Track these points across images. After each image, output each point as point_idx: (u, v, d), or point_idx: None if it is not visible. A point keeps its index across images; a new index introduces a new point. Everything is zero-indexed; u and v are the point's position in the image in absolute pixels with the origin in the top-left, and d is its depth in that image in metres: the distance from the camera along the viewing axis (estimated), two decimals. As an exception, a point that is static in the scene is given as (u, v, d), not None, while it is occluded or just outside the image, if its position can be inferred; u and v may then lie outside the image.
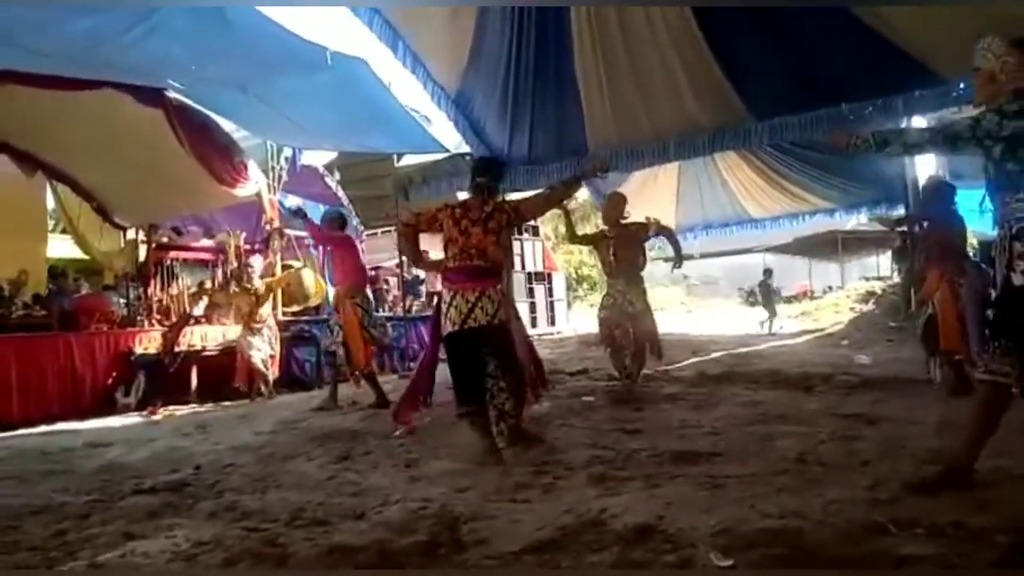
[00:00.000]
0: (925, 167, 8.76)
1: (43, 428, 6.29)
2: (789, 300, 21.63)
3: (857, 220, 13.74)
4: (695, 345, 10.09)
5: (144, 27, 5.49)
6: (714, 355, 9.08)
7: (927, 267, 5.39)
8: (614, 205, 6.64)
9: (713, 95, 7.22)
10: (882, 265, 21.94)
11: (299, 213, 6.92)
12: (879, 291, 14.63)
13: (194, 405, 7.26)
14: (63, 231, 10.64)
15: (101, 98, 6.98)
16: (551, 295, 16.21)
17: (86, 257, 10.38)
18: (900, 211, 8.45)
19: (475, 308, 3.83)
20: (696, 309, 20.81)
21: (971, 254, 11.61)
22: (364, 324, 6.39)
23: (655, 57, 7.04)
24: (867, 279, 18.85)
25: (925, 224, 5.81)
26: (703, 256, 23.02)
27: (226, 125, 8.35)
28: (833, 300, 16.32)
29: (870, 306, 13.80)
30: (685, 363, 8.15)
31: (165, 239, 10.17)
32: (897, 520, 2.33)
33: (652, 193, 11.24)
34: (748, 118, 7.29)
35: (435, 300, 4.15)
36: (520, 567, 2.25)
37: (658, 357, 6.35)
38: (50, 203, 10.12)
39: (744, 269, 25.33)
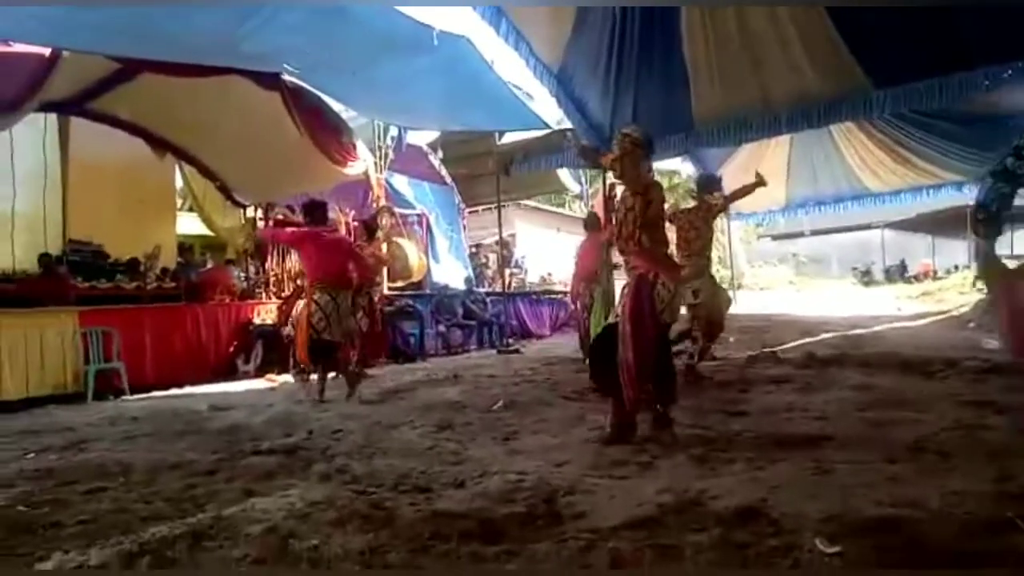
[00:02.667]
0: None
1: (173, 391, 6.84)
2: (909, 280, 20.32)
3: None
4: (804, 326, 9.68)
5: (262, 16, 5.77)
6: (824, 336, 8.67)
7: None
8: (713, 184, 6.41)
9: (829, 61, 6.80)
10: (1017, 243, 20.19)
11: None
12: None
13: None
14: (190, 209, 11.42)
15: (225, 84, 7.41)
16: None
17: (211, 233, 11.11)
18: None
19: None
20: (805, 289, 19.87)
21: None
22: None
23: (766, 21, 6.70)
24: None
25: None
26: (814, 233, 21.97)
27: (336, 107, 8.67)
28: (959, 280, 15.18)
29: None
30: (792, 344, 7.83)
31: (280, 216, 10.70)
32: (1029, 517, 2.17)
33: (761, 167, 10.77)
34: (867, 86, 6.84)
35: (643, 283, 3.54)
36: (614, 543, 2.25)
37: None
38: (178, 182, 10.87)
39: (858, 247, 23.96)
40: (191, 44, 6.26)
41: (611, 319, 3.78)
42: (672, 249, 3.93)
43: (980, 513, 2.24)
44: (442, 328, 9.90)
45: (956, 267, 20.58)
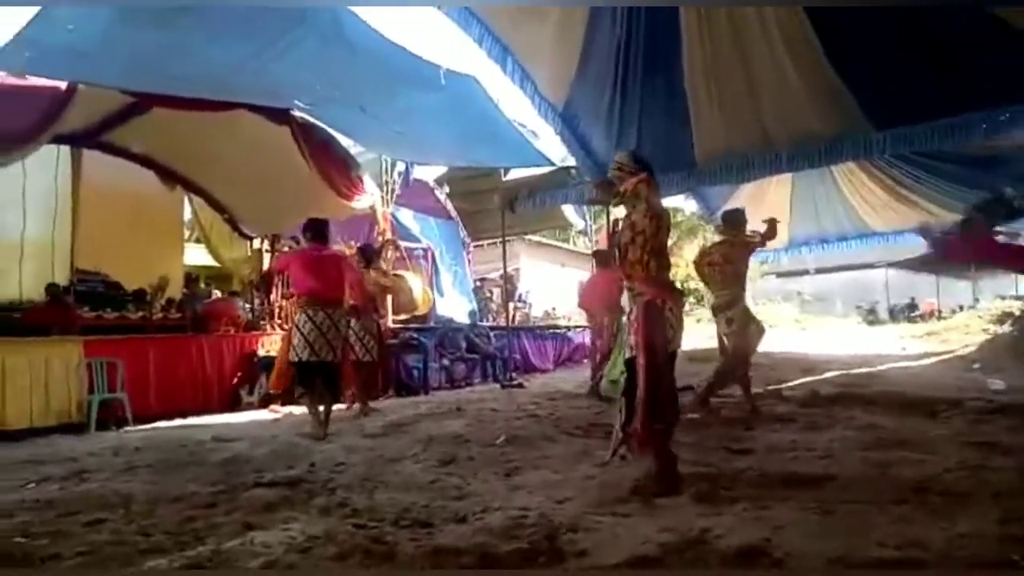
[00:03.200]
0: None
1: (177, 422, 6.83)
2: (913, 319, 20.27)
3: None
4: (808, 364, 9.66)
5: (273, 52, 5.91)
6: (828, 375, 8.64)
7: None
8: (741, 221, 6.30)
9: (830, 102, 6.92)
10: (1021, 284, 20.19)
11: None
12: (1017, 312, 13.45)
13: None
14: (197, 240, 11.52)
15: (235, 118, 7.55)
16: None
17: (216, 264, 11.18)
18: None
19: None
20: (810, 327, 19.83)
21: None
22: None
23: (768, 63, 6.82)
24: (1003, 298, 17.37)
25: None
26: (818, 271, 21.97)
27: (344, 141, 8.81)
28: (964, 320, 15.15)
29: (1006, 327, 12.71)
30: (797, 383, 7.80)
31: (286, 248, 10.79)
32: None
33: (763, 205, 10.86)
34: (868, 127, 6.94)
35: (652, 309, 3.41)
36: None
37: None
38: (187, 214, 10.99)
39: (862, 285, 23.95)
40: (204, 80, 6.41)
41: (626, 353, 3.66)
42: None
43: (985, 555, 2.23)
44: (446, 362, 9.89)
45: (961, 307, 20.54)
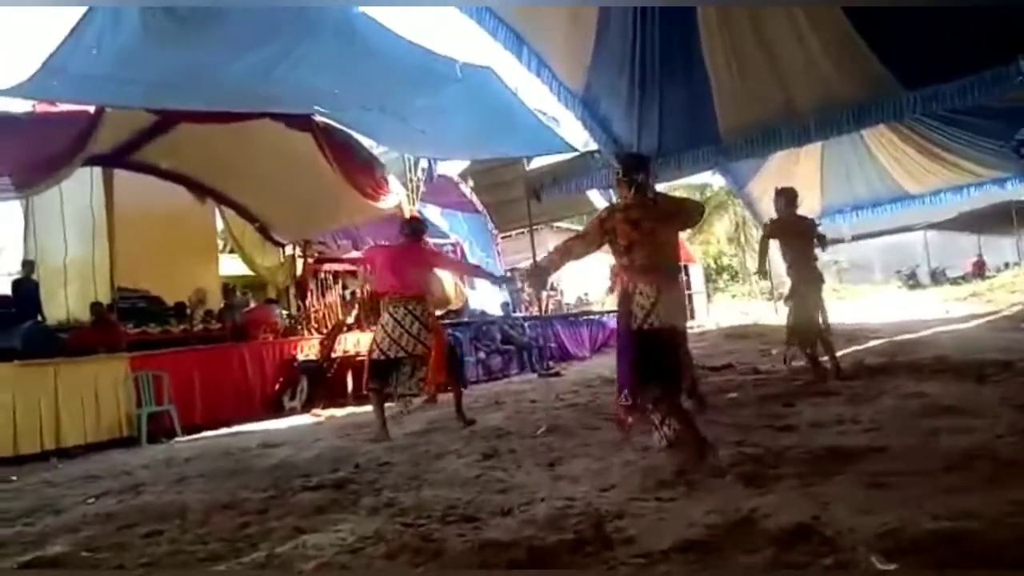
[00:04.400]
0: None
1: (223, 430, 6.99)
2: (956, 281, 19.75)
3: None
4: (850, 334, 9.47)
5: (291, 60, 5.97)
6: (871, 344, 8.48)
7: None
8: (790, 200, 6.46)
9: (855, 65, 6.74)
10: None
11: None
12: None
13: (351, 407, 7.75)
14: (231, 251, 11.74)
15: (258, 128, 7.67)
16: (689, 287, 15.82)
17: (251, 273, 11.38)
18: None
19: (674, 308, 3.74)
20: (849, 296, 19.45)
21: None
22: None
23: (788, 31, 6.67)
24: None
25: None
26: (855, 239, 21.52)
27: (366, 142, 8.88)
28: (1009, 279, 14.71)
29: (1056, 283, 12.33)
30: (839, 354, 7.67)
31: (317, 253, 10.95)
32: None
33: (794, 176, 10.68)
34: (897, 87, 6.75)
35: (623, 296, 3.74)
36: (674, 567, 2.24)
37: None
38: (219, 225, 11.20)
39: (901, 250, 23.37)
40: (224, 92, 6.50)
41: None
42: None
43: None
44: (482, 355, 9.94)
45: (1006, 264, 19.96)
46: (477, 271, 7.52)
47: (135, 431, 6.64)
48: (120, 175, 9.15)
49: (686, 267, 15.84)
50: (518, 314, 12.24)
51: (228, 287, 10.70)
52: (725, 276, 25.33)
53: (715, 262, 25.15)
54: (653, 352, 3.63)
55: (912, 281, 21.77)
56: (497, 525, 2.79)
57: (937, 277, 22.00)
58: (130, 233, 9.13)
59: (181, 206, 9.99)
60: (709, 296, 18.89)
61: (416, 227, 5.83)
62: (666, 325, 3.65)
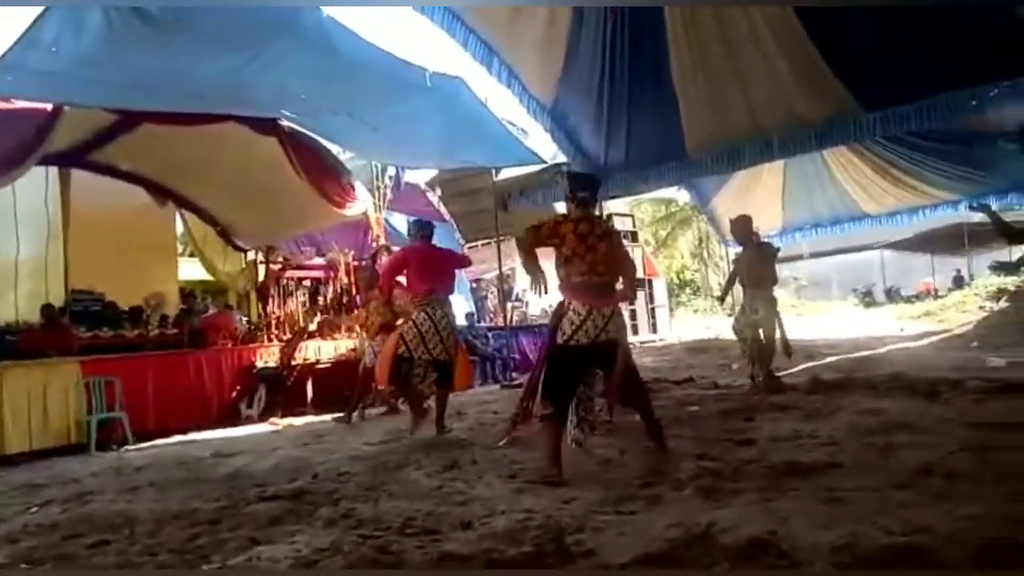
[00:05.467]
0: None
1: (177, 439, 6.81)
2: (910, 300, 20.28)
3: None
4: (808, 350, 9.64)
5: (259, 64, 5.89)
6: (828, 360, 8.65)
7: None
8: (743, 226, 6.88)
9: (818, 87, 6.92)
10: (1015, 258, 20.20)
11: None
12: (1012, 287, 13.47)
13: (310, 416, 7.62)
14: (191, 255, 11.50)
15: (223, 131, 7.55)
16: (652, 301, 15.96)
17: (211, 278, 11.16)
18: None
19: (608, 323, 3.80)
20: (807, 312, 19.83)
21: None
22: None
23: (754, 51, 6.83)
24: (997, 263, 17.33)
25: None
26: (814, 256, 22.00)
27: (333, 148, 8.80)
28: (959, 298, 15.16)
29: (1002, 304, 12.73)
30: (797, 369, 7.80)
31: (281, 259, 10.78)
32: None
33: (757, 192, 10.88)
34: (857, 110, 6.93)
35: (557, 308, 3.94)
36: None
37: (787, 356, 6.69)
38: (179, 229, 10.97)
39: (858, 268, 23.95)
40: (191, 94, 6.39)
41: None
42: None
43: (993, 537, 2.22)
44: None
45: (960, 278, 20.53)
46: None
47: (84, 438, 6.43)
48: (78, 175, 8.92)
49: (650, 281, 16.03)
50: (482, 324, 12.21)
51: (187, 292, 10.47)
52: (688, 290, 25.63)
53: (678, 276, 25.44)
54: (570, 368, 3.80)
55: (868, 299, 22.30)
56: (457, 538, 2.76)
57: (892, 295, 22.58)
58: (86, 234, 8.89)
59: (140, 208, 9.77)
60: (672, 310, 19.07)
61: (431, 228, 5.88)
62: (595, 341, 3.77)
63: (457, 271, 5.97)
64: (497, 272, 12.54)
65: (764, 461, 3.63)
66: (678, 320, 18.88)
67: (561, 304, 3.89)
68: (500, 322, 12.35)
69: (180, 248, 11.78)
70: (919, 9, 5.86)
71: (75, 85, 5.79)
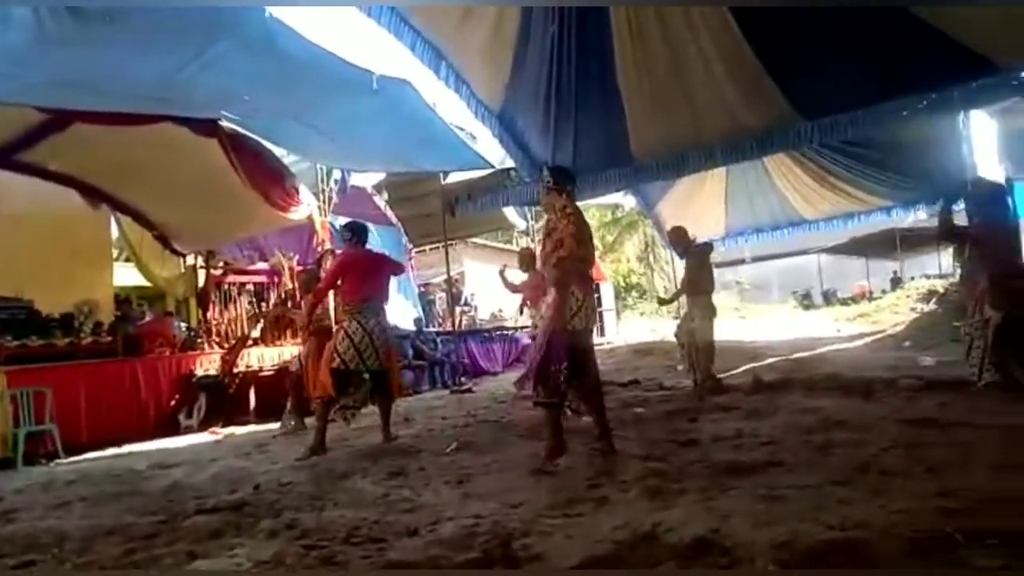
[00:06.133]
0: (986, 161, 8.45)
1: (111, 451, 6.54)
2: (846, 302, 21.01)
3: (915, 217, 13.27)
4: (749, 351, 9.90)
5: (199, 63, 5.72)
6: (769, 361, 8.88)
7: (978, 268, 5.14)
8: (677, 237, 7.28)
9: (759, 97, 7.10)
10: (943, 262, 21.15)
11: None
12: (941, 290, 14.09)
13: (252, 425, 7.43)
14: (127, 259, 11.09)
15: (160, 132, 7.29)
16: (599, 305, 16.11)
17: (149, 284, 10.78)
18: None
19: (592, 312, 4.12)
20: (749, 314, 20.36)
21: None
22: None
23: (698, 61, 6.97)
24: (927, 277, 18.18)
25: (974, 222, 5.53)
26: (755, 260, 22.62)
27: (277, 151, 8.61)
28: (892, 300, 15.77)
29: (932, 305, 13.30)
30: (740, 370, 7.98)
31: (222, 264, 10.51)
32: (969, 531, 2.23)
33: (700, 198, 11.10)
34: (797, 118, 7.14)
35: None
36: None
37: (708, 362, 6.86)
38: (114, 233, 10.56)
39: (797, 271, 24.72)
40: (126, 93, 6.16)
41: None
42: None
43: (924, 530, 2.30)
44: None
45: (898, 279, 21.38)
46: None
47: (10, 452, 6.11)
48: (4, 176, 8.50)
49: (598, 285, 16.18)
50: (431, 329, 12.13)
51: (122, 298, 10.09)
52: (634, 294, 25.98)
53: (624, 280, 25.75)
54: (569, 351, 3.92)
55: (807, 301, 23.02)
56: (403, 546, 2.72)
57: (829, 298, 23.36)
58: (12, 238, 8.46)
59: (72, 211, 9.36)
60: (618, 313, 19.31)
61: (366, 231, 5.72)
62: (583, 329, 4.01)
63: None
64: (446, 276, 12.48)
65: (707, 461, 3.70)
66: (624, 323, 19.11)
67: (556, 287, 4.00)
68: (449, 327, 12.29)
69: (116, 253, 11.35)
70: (855, 20, 6.08)
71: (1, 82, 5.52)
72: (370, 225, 12.42)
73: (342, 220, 11.30)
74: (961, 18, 5.69)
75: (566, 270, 3.93)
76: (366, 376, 5.28)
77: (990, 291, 4.91)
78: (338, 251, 8.94)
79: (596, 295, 15.54)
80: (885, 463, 3.31)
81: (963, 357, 5.56)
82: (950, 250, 11.74)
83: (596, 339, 14.90)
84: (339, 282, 5.57)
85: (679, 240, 7.18)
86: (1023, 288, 4.88)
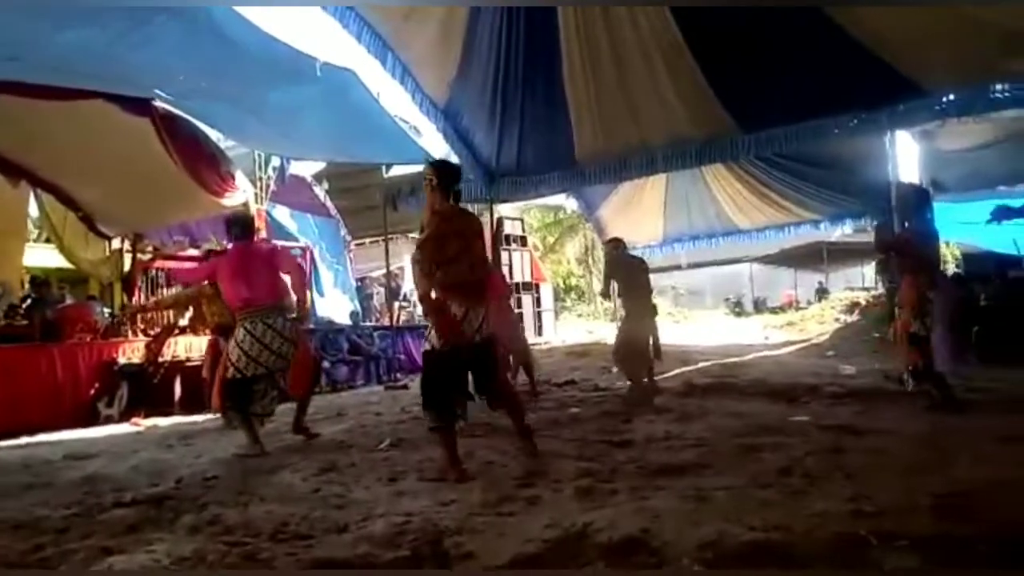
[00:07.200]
0: (909, 179, 8.87)
1: (24, 440, 6.20)
2: (775, 310, 21.72)
3: (842, 231, 13.86)
4: (682, 356, 10.11)
5: (134, 39, 5.49)
6: (701, 365, 9.10)
7: (902, 278, 5.36)
8: (610, 248, 7.02)
9: (701, 108, 7.29)
10: (866, 275, 22.12)
11: None
12: (863, 301, 14.72)
13: (177, 416, 7.18)
14: (47, 240, 10.54)
15: (88, 108, 6.94)
16: (539, 305, 16.20)
17: (71, 266, 10.28)
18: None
19: (483, 323, 3.75)
20: (683, 319, 20.84)
21: (955, 265, 11.75)
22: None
23: (644, 71, 7.11)
24: (851, 289, 18.99)
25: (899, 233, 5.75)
26: (690, 266, 23.18)
27: (214, 134, 8.33)
28: (818, 310, 16.39)
29: (854, 316, 13.89)
30: (672, 373, 8.16)
31: (151, 249, 10.12)
32: (881, 533, 2.34)
33: (640, 204, 11.31)
34: (735, 130, 7.36)
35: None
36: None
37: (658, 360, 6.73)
38: (34, 211, 10.03)
39: (730, 279, 25.45)
40: (50, 65, 5.85)
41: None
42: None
43: (840, 531, 2.39)
44: (327, 364, 9.57)
45: (824, 289, 22.23)
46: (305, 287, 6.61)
47: (-90, 440, 5.74)
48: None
49: (537, 286, 16.27)
50: (367, 323, 11.96)
51: (39, 280, 9.59)
52: (573, 295, 26.23)
53: (564, 282, 25.96)
54: (448, 372, 3.70)
55: (738, 308, 23.70)
56: (331, 542, 2.67)
57: (759, 306, 24.14)
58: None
59: (-13, 187, 8.86)
60: (557, 314, 19.46)
61: (246, 223, 5.27)
62: (472, 343, 3.71)
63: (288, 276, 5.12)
64: (385, 270, 12.33)
65: (640, 461, 3.76)
66: (563, 324, 19.26)
67: (438, 300, 3.70)
68: (386, 322, 12.15)
69: (36, 232, 10.78)
70: (794, 39, 6.30)
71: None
72: (308, 216, 12.29)
73: (280, 208, 11.08)
74: (892, 39, 5.97)
75: (425, 287, 3.63)
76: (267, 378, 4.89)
77: (925, 300, 5.03)
78: (278, 241, 8.74)
79: (532, 295, 15.71)
80: (806, 467, 3.43)
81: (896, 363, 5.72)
82: (873, 264, 12.27)
83: (535, 339, 15.03)
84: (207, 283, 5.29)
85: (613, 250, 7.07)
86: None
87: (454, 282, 3.68)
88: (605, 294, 8.36)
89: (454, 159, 8.99)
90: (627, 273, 6.72)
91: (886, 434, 4.18)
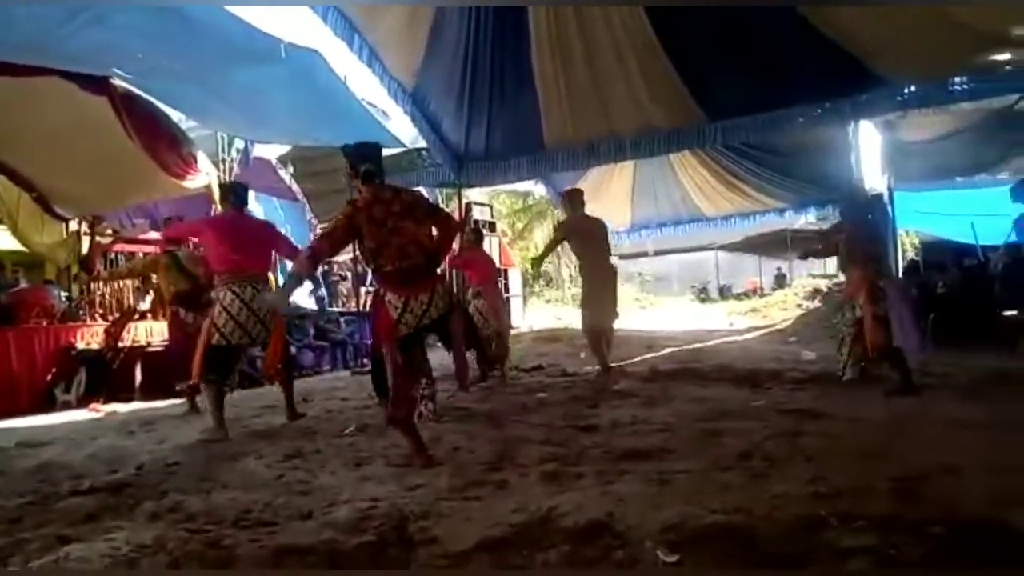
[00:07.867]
0: (871, 169, 9.05)
1: (-24, 427, 6.04)
2: (739, 297, 22.06)
3: (805, 219, 14.11)
4: (648, 341, 10.22)
5: (91, 14, 5.31)
6: (667, 351, 9.20)
7: (850, 269, 5.50)
8: (580, 202, 6.95)
9: (669, 96, 7.33)
10: (828, 264, 22.55)
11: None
12: (825, 289, 15.02)
13: (137, 402, 7.05)
14: (0, 222, 10.21)
15: (44, 85, 6.71)
16: (507, 291, 16.19)
17: (25, 249, 9.98)
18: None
19: (430, 308, 3.62)
20: (649, 305, 21.05)
21: (914, 254, 12.02)
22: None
23: (612, 58, 7.11)
24: (813, 276, 19.36)
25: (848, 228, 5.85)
26: (657, 253, 23.39)
27: (176, 115, 8.12)
28: (781, 297, 16.69)
29: (816, 303, 14.16)
30: (638, 359, 8.24)
31: (109, 231, 9.86)
32: (839, 514, 2.39)
33: (608, 191, 11.35)
34: (703, 119, 7.42)
35: (374, 300, 3.71)
36: (476, 566, 2.25)
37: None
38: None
39: (696, 266, 25.75)
40: (8, 41, 5.63)
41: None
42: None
43: (800, 513, 2.45)
44: (292, 350, 9.47)
45: (786, 279, 22.62)
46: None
47: None
48: None
49: (505, 271, 16.24)
50: (335, 308, 11.85)
51: (-7, 263, 9.32)
52: (541, 281, 26.29)
53: (533, 268, 26.02)
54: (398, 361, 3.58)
55: (704, 295, 24.03)
56: (295, 529, 2.65)
57: (724, 292, 24.49)
58: None
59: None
60: (525, 300, 19.50)
61: (243, 192, 5.24)
62: (419, 327, 3.64)
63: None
64: (351, 255, 12.20)
65: (605, 446, 3.79)
66: (531, 310, 19.31)
67: (376, 294, 3.64)
68: (353, 307, 12.05)
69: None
70: (759, 30, 6.36)
71: None
72: (274, 199, 12.06)
73: (244, 192, 10.86)
74: (856, 31, 6.05)
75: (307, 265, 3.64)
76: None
77: (877, 286, 5.20)
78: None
79: (503, 281, 15.70)
80: (767, 450, 3.50)
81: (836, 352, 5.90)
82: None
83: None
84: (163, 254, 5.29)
85: (581, 202, 6.96)
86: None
87: (385, 272, 3.58)
88: (539, 261, 8.14)
89: (422, 143, 8.93)
90: (586, 235, 6.66)
91: (844, 419, 4.28)
